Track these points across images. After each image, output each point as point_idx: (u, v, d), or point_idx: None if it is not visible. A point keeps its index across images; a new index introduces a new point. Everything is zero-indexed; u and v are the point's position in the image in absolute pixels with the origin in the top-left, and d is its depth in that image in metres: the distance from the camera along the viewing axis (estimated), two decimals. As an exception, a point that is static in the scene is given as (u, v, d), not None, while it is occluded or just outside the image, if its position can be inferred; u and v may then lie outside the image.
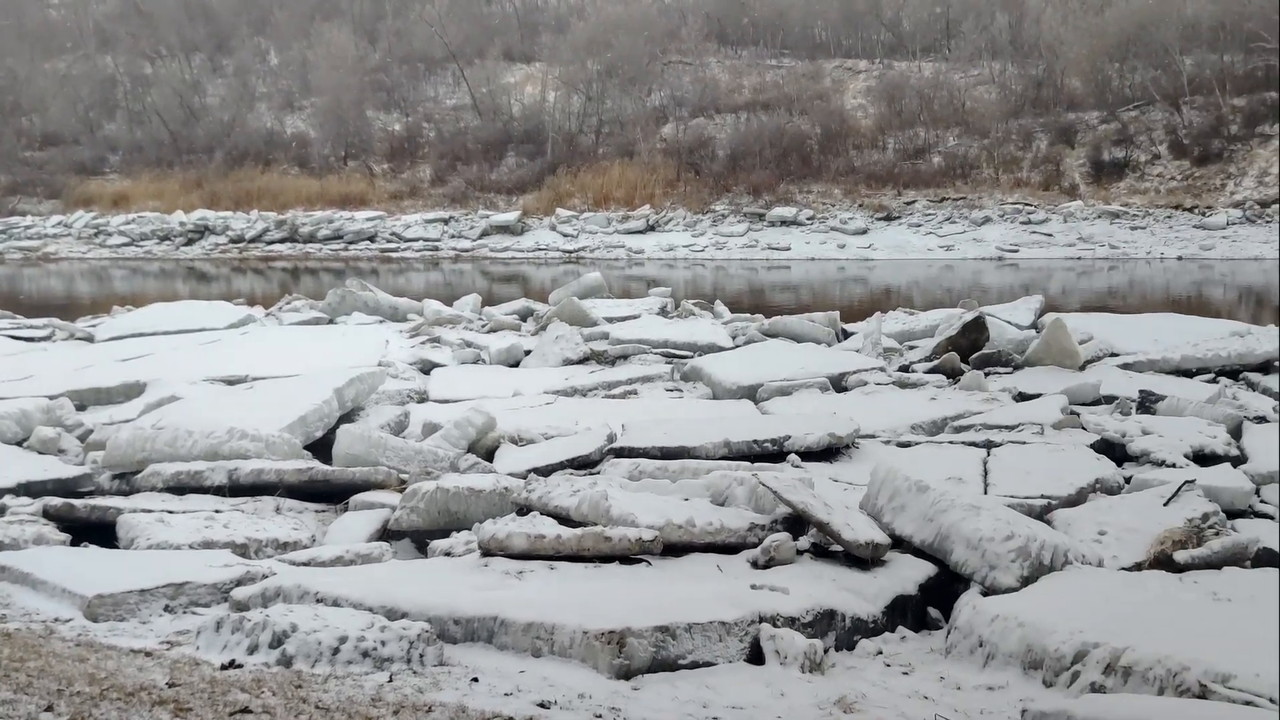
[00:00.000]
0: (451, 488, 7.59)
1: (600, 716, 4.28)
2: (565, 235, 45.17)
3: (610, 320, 16.80)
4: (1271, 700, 4.52)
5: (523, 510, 6.98)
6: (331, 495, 8.19)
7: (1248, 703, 4.52)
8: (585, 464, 8.71)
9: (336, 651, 4.77)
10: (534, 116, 53.80)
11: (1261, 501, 7.74)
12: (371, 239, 46.47)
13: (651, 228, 45.22)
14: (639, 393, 12.06)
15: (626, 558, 6.17)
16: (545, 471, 8.28)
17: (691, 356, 13.89)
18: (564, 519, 6.66)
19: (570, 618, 5.01)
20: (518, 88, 56.48)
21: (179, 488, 8.18)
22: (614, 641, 4.84)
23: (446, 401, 11.32)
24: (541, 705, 4.35)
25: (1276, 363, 12.41)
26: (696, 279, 35.33)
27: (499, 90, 55.30)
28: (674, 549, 6.36)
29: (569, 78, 53.53)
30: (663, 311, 18.48)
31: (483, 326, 17.06)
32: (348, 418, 10.19)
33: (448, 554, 6.74)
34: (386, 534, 7.46)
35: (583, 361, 14.01)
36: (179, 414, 9.73)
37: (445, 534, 7.19)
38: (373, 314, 18.09)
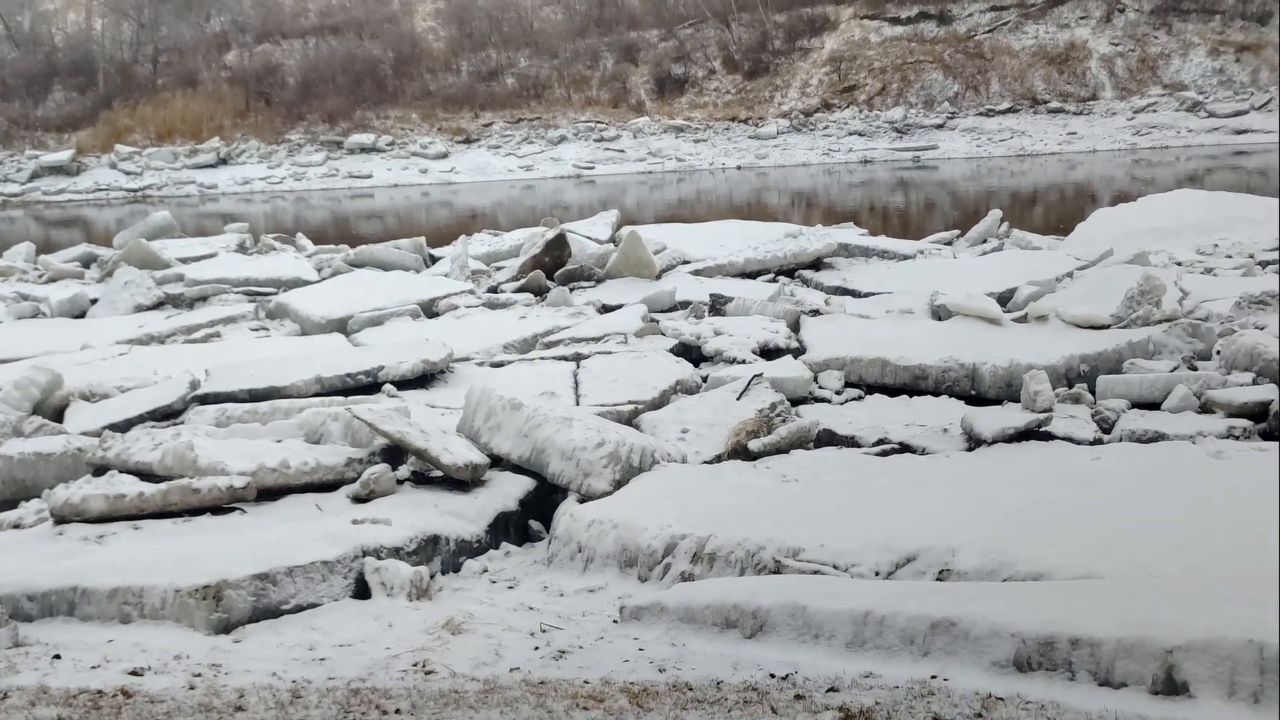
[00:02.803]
0: (15, 454, 6.99)
1: (199, 675, 4.12)
2: (128, 173, 42.06)
3: (185, 261, 15.89)
4: (835, 567, 5.02)
5: (100, 470, 6.56)
6: None
7: (815, 571, 5.00)
8: (168, 414, 8.26)
9: (-110, 650, 4.31)
10: (81, 46, 49.45)
11: (820, 387, 8.48)
12: (-106, 188, 41.29)
13: (224, 161, 42.95)
14: (222, 335, 11.55)
15: (219, 508, 5.94)
16: (123, 427, 7.79)
17: (276, 293, 13.43)
18: (147, 475, 6.31)
19: (160, 577, 4.77)
20: (59, 15, 51.65)
21: None
22: (210, 596, 4.66)
23: (3, 361, 10.35)
24: (134, 673, 4.12)
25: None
26: (276, 212, 34.00)
27: (37, 18, 50.35)
28: (270, 493, 6.20)
29: (116, 4, 49.53)
30: (241, 248, 17.68)
31: (40, 277, 15.70)
32: (-118, 390, 9.09)
33: (16, 526, 6.23)
34: (-59, 513, 6.76)
35: (157, 306, 13.24)
36: None
37: (13, 505, 6.64)
38: (-96, 272, 16.14)
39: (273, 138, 44.43)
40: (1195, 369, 8.24)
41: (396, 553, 5.43)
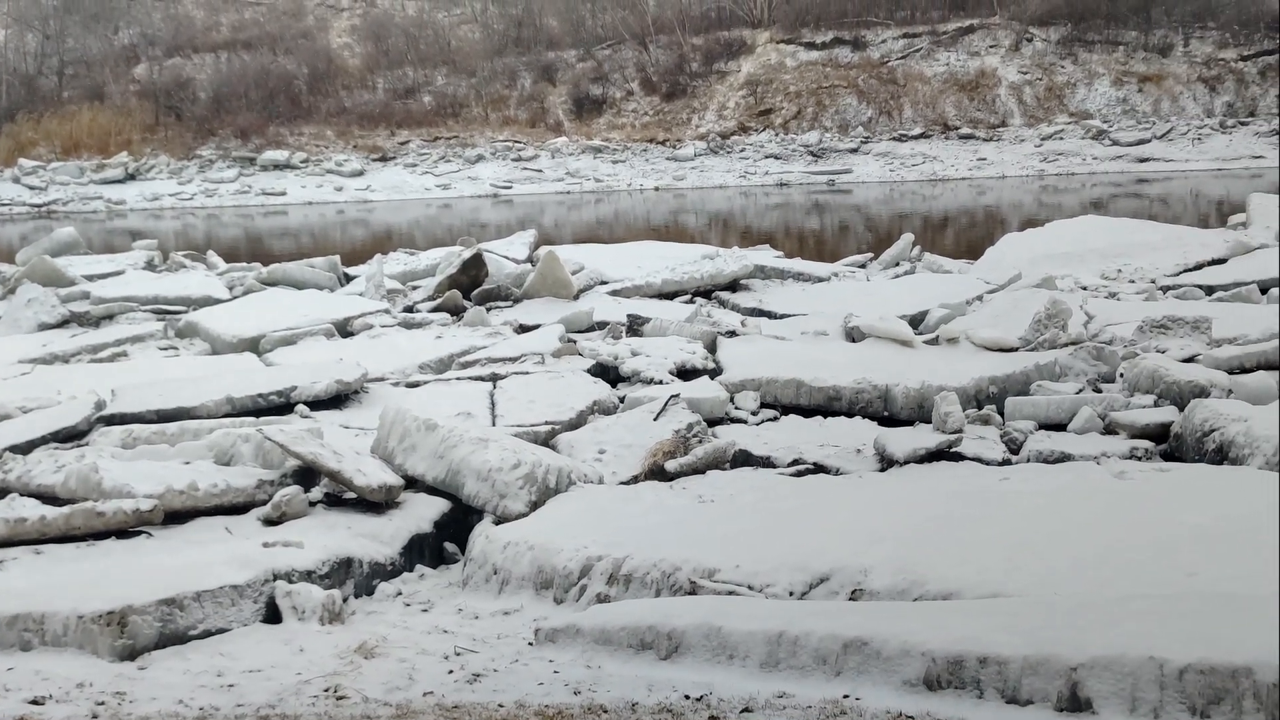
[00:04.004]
0: (-90, 478, 6.76)
1: (103, 704, 4.02)
2: (32, 188, 41.08)
3: (91, 278, 15.54)
4: (750, 587, 5.05)
5: (0, 494, 6.38)
6: None
7: (731, 592, 5.02)
8: (71, 436, 8.07)
9: None
10: (-19, 56, 48.28)
11: (736, 408, 8.53)
12: None
13: (132, 176, 42.13)
14: (129, 354, 11.32)
15: (125, 531, 5.81)
16: (24, 449, 7.58)
17: (185, 311, 13.19)
18: (50, 498, 6.18)
19: (62, 603, 4.65)
20: (-41, 24, 50.36)
21: None
22: (114, 622, 4.55)
23: (-103, 381, 10.03)
24: (35, 702, 4.01)
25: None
26: (187, 229, 33.43)
27: (-65, 27, 49.07)
28: (178, 516, 6.08)
29: (21, 14, 48.47)
30: (150, 265, 17.36)
31: (-63, 294, 15.22)
32: None
33: (-89, 552, 6.02)
34: None
35: (62, 325, 12.94)
36: None
37: (-93, 530, 6.41)
38: None
39: (183, 153, 43.72)
40: (1100, 391, 8.43)
41: (308, 576, 5.35)
